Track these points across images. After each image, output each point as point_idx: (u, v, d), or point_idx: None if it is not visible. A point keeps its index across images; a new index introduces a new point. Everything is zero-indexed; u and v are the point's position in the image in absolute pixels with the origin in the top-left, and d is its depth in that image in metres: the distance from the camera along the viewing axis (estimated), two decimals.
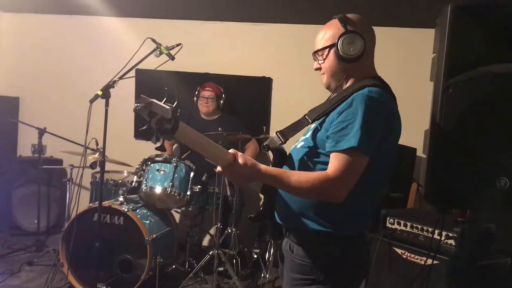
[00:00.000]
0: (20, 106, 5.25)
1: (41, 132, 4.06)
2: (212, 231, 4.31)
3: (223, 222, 3.78)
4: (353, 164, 1.49)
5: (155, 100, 1.31)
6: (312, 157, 1.62)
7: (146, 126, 1.33)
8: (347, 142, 1.48)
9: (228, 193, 3.77)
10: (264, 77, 4.71)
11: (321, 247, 1.61)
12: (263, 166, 1.54)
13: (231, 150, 1.52)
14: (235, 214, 3.93)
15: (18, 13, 5.26)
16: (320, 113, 1.64)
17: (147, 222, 3.46)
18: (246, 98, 4.74)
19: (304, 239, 1.64)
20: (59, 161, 4.79)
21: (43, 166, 4.21)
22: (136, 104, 1.30)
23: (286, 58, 4.70)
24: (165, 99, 1.36)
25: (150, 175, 3.51)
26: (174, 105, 1.34)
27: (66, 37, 5.18)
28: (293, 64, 4.64)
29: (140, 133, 4.95)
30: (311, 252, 1.62)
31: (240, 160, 1.50)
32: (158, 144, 1.45)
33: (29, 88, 5.25)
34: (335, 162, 1.50)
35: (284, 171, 1.57)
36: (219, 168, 1.53)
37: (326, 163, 1.54)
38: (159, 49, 3.22)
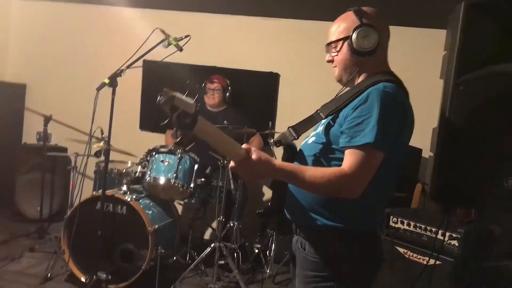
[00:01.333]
0: (26, 93, 5.27)
1: (47, 119, 4.06)
2: (214, 224, 4.30)
3: (226, 216, 3.77)
4: (368, 160, 1.47)
5: (178, 94, 1.28)
6: (326, 153, 1.60)
7: (167, 121, 1.30)
8: (363, 138, 1.46)
9: (232, 187, 3.76)
10: (272, 72, 4.70)
11: (333, 243, 1.59)
12: (277, 162, 1.52)
13: (244, 146, 1.49)
14: (238, 208, 3.93)
15: (28, 0, 5.26)
16: (333, 108, 1.62)
17: (150, 212, 3.46)
18: (253, 93, 4.72)
19: (315, 235, 1.63)
20: (64, 149, 4.80)
21: (48, 154, 4.21)
22: (158, 97, 1.27)
23: (295, 54, 4.67)
24: (186, 92, 1.33)
25: (155, 166, 3.51)
26: (195, 99, 1.32)
27: (75, 25, 5.18)
28: (302, 60, 4.63)
29: (146, 124, 4.96)
30: (323, 248, 1.61)
31: (254, 156, 1.47)
32: (177, 140, 1.41)
33: (36, 75, 5.27)
34: (350, 158, 1.48)
35: (299, 167, 1.55)
36: (232, 164, 1.50)
37: (341, 159, 1.52)
38: (167, 40, 3.21)
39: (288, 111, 4.62)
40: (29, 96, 5.26)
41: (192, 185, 3.54)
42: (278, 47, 4.73)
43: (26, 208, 4.68)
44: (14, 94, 5.13)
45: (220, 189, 3.70)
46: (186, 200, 3.77)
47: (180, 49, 3.24)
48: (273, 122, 4.49)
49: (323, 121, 1.67)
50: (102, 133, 3.54)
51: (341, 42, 1.66)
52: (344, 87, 1.71)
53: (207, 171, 3.67)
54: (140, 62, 3.16)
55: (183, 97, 1.29)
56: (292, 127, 1.69)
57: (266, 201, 4.37)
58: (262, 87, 4.75)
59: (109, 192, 3.38)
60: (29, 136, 5.06)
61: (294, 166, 1.56)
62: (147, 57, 3.15)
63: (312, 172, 1.50)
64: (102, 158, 3.30)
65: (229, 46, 4.83)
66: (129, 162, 4.03)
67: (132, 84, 4.77)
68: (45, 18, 5.27)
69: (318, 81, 4.03)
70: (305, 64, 4.57)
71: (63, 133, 4.18)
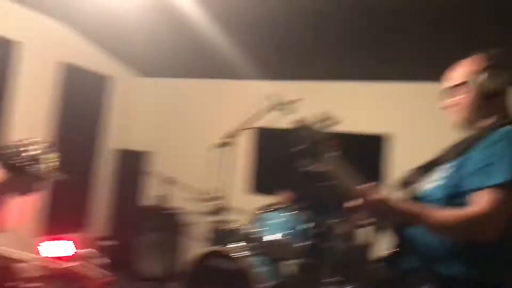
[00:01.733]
0: (148, 159, 5.71)
1: (165, 183, 4.35)
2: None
3: (340, 277, 3.63)
4: (502, 200, 1.40)
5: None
6: (451, 196, 1.54)
7: None
8: (495, 178, 1.42)
9: (346, 246, 3.64)
10: (378, 134, 4.80)
11: None
12: (400, 202, 1.53)
13: (361, 186, 1.53)
14: (355, 268, 3.76)
15: (155, 78, 5.94)
16: (459, 151, 1.59)
17: (262, 270, 3.45)
18: (359, 155, 4.75)
19: (448, 284, 1.53)
20: (180, 209, 5.03)
21: (165, 212, 4.45)
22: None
23: (407, 117, 4.73)
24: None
25: (267, 224, 3.56)
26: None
27: (192, 97, 5.73)
28: (414, 123, 4.67)
29: (258, 187, 5.17)
30: None
31: (375, 196, 1.49)
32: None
33: (159, 144, 5.74)
34: (482, 198, 1.43)
35: (425, 207, 1.52)
36: (352, 203, 1.54)
37: (466, 203, 1.47)
38: (279, 106, 3.42)
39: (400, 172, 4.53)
40: (150, 162, 5.71)
41: (304, 243, 3.50)
42: (390, 109, 4.81)
43: (144, 267, 4.86)
44: (136, 161, 5.61)
45: (333, 248, 3.60)
46: (298, 260, 3.72)
47: (290, 113, 3.40)
48: (378, 182, 4.41)
49: (448, 164, 1.62)
50: (216, 193, 3.70)
51: (466, 85, 1.63)
52: (466, 130, 1.67)
53: (320, 230, 3.62)
54: (252, 127, 3.36)
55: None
56: (417, 168, 1.70)
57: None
58: (369, 149, 4.88)
59: (222, 249, 3.47)
60: (148, 198, 5.44)
61: (419, 205, 1.53)
62: (260, 124, 3.36)
63: (442, 212, 1.47)
64: (216, 216, 3.43)
65: (339, 110, 4.90)
66: (242, 220, 4.12)
67: (245, 149, 5.02)
68: (164, 92, 5.90)
69: (431, 142, 3.93)
70: (419, 127, 4.59)
71: (179, 195, 4.44)
